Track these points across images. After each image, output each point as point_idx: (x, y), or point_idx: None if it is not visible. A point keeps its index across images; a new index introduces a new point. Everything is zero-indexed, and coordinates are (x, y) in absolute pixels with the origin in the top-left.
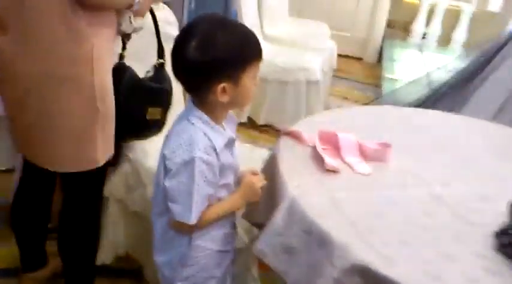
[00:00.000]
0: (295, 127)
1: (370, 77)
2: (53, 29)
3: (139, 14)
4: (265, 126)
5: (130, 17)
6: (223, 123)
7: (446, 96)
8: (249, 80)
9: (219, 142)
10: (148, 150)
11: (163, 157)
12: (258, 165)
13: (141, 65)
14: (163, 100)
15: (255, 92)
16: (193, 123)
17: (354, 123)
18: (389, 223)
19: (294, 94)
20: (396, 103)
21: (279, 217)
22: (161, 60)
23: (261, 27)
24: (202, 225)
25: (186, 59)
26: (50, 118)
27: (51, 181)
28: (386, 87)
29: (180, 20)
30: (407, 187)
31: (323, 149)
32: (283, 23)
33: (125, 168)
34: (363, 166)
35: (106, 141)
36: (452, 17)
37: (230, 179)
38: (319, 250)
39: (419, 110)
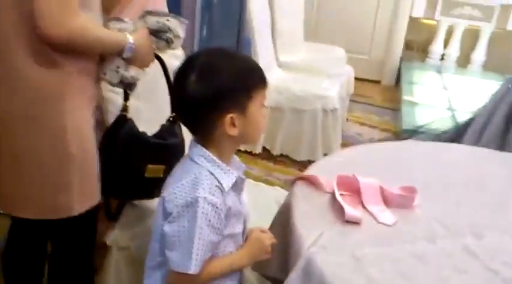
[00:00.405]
0: (311, 171)
1: (388, 101)
2: (18, 67)
3: (136, 64)
4: (281, 156)
5: (118, 67)
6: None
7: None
8: (257, 109)
9: (227, 181)
10: None
11: (162, 200)
12: (270, 207)
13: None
14: (167, 157)
15: (266, 123)
16: (197, 162)
17: (374, 162)
18: None
19: (311, 122)
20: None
21: (294, 279)
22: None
23: (276, 54)
24: (203, 279)
25: (187, 94)
26: (17, 159)
27: (41, 229)
28: (405, 110)
29: (190, 51)
30: (436, 240)
31: (342, 195)
32: (298, 48)
33: (129, 213)
34: (387, 216)
35: (85, 189)
36: (471, 37)
37: (237, 229)
38: None
39: (445, 145)
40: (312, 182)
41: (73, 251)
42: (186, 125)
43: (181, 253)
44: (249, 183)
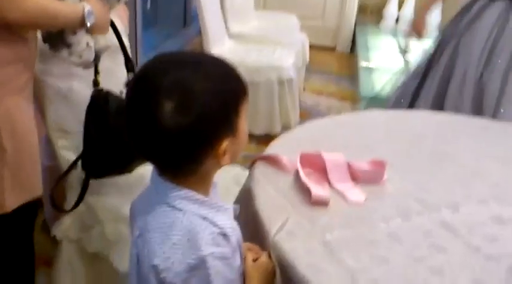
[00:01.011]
0: (270, 150)
1: (345, 67)
2: None
3: (98, 30)
4: None
5: (88, 43)
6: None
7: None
8: (244, 123)
9: (226, 221)
10: (103, 185)
11: (154, 270)
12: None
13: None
14: None
15: None
16: (180, 209)
17: (337, 136)
18: (395, 269)
19: (267, 94)
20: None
21: None
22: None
23: (226, 24)
24: None
25: (164, 128)
26: None
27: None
28: (362, 77)
29: (133, 25)
30: (411, 216)
31: (307, 175)
32: (249, 18)
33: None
34: (356, 194)
35: (20, 184)
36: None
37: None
38: None
39: (407, 113)
40: (273, 162)
41: (9, 253)
42: (155, 164)
43: None
44: None
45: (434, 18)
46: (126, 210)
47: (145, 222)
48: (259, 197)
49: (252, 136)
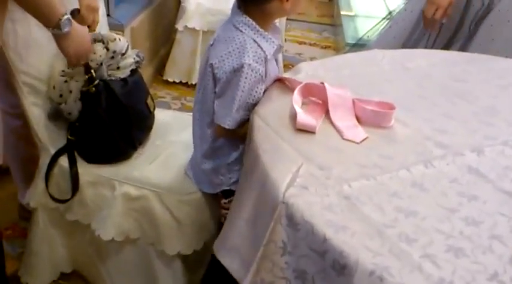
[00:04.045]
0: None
1: (325, 16)
2: None
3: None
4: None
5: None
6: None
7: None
8: None
9: (269, 49)
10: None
11: (210, 67)
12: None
13: None
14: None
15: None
16: (241, 31)
17: (340, 76)
18: (425, 222)
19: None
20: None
21: (281, 231)
22: None
23: None
24: (238, 134)
25: None
26: None
27: None
28: (346, 26)
29: None
30: (433, 161)
31: (304, 103)
32: None
33: (53, 170)
34: (357, 132)
35: None
36: None
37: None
38: (338, 278)
39: (413, 52)
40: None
41: None
42: None
43: (223, 110)
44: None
45: None
46: (105, 172)
47: (217, 34)
48: (263, 147)
49: None
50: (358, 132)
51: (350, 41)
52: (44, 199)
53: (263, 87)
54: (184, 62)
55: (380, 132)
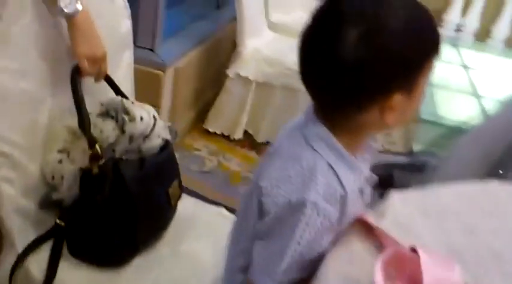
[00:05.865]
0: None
1: None
2: None
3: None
4: (267, 144)
5: None
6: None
7: None
8: (424, 84)
9: (351, 183)
10: None
11: (258, 190)
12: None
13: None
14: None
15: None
16: (314, 148)
17: (454, 222)
18: None
19: (306, 104)
20: None
21: None
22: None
23: (266, 13)
24: None
25: (342, 56)
26: None
27: None
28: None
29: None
30: None
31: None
32: (294, 5)
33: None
34: None
35: None
36: (493, 7)
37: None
38: None
39: None
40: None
41: None
42: (315, 97)
43: (264, 262)
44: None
45: (502, 29)
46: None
47: (280, 143)
48: None
49: None
50: None
51: (425, 116)
52: None
53: (331, 238)
54: (230, 113)
55: None
